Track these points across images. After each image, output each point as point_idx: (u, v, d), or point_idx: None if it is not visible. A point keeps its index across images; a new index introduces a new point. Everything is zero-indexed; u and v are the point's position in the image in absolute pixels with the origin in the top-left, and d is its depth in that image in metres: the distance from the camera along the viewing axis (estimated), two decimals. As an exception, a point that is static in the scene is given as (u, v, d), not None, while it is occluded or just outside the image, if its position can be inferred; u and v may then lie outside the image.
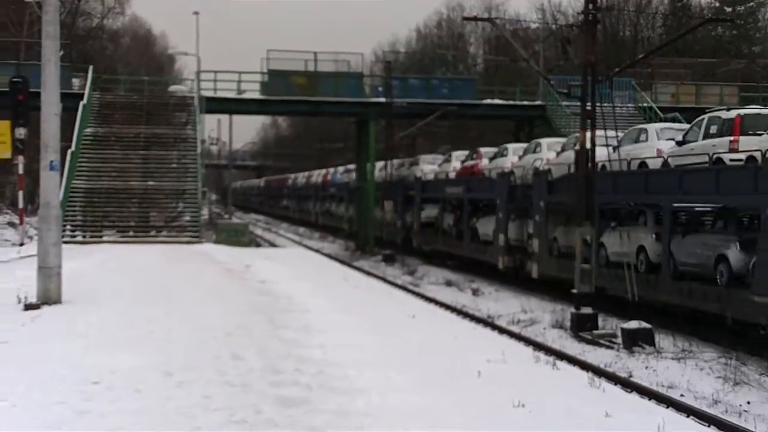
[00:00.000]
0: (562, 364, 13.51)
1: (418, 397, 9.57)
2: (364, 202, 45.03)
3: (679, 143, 20.90)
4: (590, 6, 21.45)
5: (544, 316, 22.59)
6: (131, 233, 31.92)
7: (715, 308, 18.64)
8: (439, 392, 9.84)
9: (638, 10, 60.96)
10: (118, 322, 13.32)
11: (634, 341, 18.40)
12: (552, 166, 27.30)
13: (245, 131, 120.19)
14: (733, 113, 19.54)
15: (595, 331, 19.94)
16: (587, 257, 21.33)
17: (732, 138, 18.94)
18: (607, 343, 19.06)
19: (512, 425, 8.65)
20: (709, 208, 20.75)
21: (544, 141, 30.38)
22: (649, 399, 13.26)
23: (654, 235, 21.49)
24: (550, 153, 28.52)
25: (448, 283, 30.99)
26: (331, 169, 65.24)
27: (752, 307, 16.99)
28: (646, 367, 16.73)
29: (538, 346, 17.02)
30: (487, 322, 21.54)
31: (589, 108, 21.39)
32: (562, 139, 29.72)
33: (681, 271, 20.14)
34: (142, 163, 35.61)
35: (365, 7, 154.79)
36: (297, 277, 21.82)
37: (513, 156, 31.86)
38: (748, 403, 14.20)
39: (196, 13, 50.46)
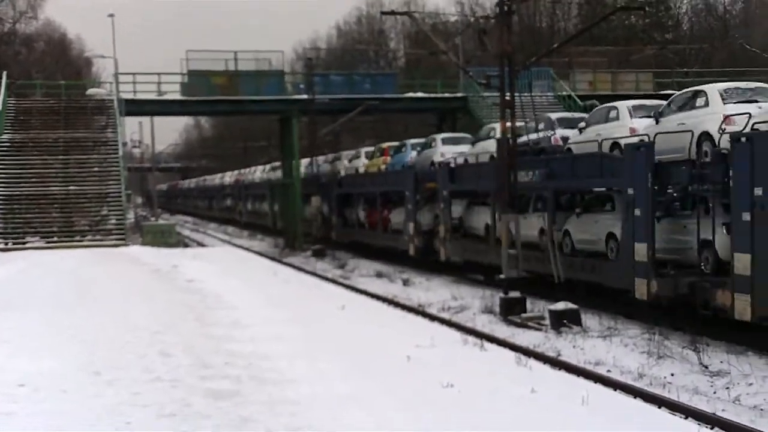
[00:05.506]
0: (491, 346, 13.73)
1: (349, 383, 9.66)
2: (291, 199, 44.88)
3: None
4: (505, -4, 21.68)
5: (474, 302, 22.79)
6: (56, 238, 31.36)
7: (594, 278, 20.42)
8: (369, 377, 9.95)
9: (553, 1, 61.90)
10: (42, 327, 13.10)
11: (561, 322, 18.71)
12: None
13: (168, 133, 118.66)
14: None
15: (523, 315, 20.22)
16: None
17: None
18: (536, 325, 19.35)
19: (441, 404, 8.80)
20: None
21: (438, 136, 32.56)
22: (577, 375, 13.53)
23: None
24: (445, 147, 30.46)
25: (379, 275, 31.06)
26: (209, 176, 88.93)
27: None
28: (574, 346, 17.03)
29: (467, 330, 17.23)
30: (417, 311, 21.68)
31: (507, 98, 21.66)
32: (458, 134, 31.47)
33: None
34: (62, 168, 34.93)
35: (284, 6, 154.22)
36: (225, 275, 21.71)
37: (412, 151, 33.79)
38: (672, 375, 14.56)
39: (111, 15, 49.69)
